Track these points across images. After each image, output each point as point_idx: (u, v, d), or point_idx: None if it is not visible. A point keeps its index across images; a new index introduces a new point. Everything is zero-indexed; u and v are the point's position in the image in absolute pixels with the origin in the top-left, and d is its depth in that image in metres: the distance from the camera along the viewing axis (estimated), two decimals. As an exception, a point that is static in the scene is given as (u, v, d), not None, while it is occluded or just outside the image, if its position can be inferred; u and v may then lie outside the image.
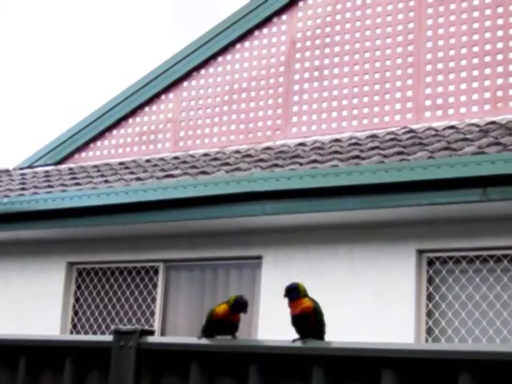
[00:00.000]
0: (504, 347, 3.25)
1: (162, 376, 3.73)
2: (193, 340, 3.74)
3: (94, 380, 3.87)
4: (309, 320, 3.76)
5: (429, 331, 7.40)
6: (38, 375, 4.02)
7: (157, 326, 8.73)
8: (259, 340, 3.66)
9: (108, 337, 3.85)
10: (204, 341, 3.68)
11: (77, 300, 9.46)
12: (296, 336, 3.73)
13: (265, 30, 10.56)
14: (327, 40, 10.08)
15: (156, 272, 8.94)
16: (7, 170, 11.98)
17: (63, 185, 9.58)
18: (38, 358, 4.04)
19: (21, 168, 11.93)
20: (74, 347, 3.94)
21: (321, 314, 3.86)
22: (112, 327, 3.95)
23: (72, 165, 11.43)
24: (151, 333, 3.82)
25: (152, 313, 8.89)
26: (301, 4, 10.37)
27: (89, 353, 3.91)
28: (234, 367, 3.56)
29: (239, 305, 3.91)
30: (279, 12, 10.48)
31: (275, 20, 10.51)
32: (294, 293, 3.85)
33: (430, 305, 7.44)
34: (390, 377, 3.17)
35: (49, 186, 9.68)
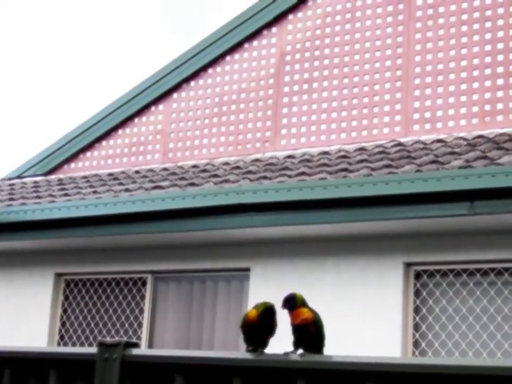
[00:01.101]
0: (490, 362, 3.26)
1: (147, 389, 3.74)
2: (177, 352, 3.74)
3: (79, 392, 3.87)
4: (309, 330, 3.75)
5: (416, 344, 7.41)
6: (22, 387, 4.01)
7: (144, 337, 8.73)
8: (242, 353, 3.64)
9: (92, 350, 3.85)
10: (187, 353, 3.68)
11: (64, 311, 9.44)
12: (290, 347, 3.74)
13: (255, 42, 10.59)
14: (317, 53, 10.12)
15: (144, 283, 8.94)
16: (-5, 181, 11.97)
17: (51, 195, 9.57)
18: (22, 370, 4.03)
19: (10, 179, 11.92)
20: (58, 359, 3.94)
21: (321, 326, 3.87)
22: (99, 339, 3.94)
23: (61, 176, 11.42)
24: (136, 345, 3.82)
25: (140, 325, 8.88)
26: (290, 16, 10.41)
27: (74, 366, 3.91)
28: (218, 380, 3.56)
29: (268, 316, 3.83)
30: (269, 25, 10.51)
31: (265, 32, 10.55)
32: (292, 302, 3.87)
33: (417, 318, 7.45)
34: (373, 391, 3.18)
35: (38, 197, 9.67)
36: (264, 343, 3.82)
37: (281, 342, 4.02)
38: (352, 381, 3.26)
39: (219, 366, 3.58)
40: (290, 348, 3.81)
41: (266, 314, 3.80)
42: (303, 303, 3.91)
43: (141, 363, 3.75)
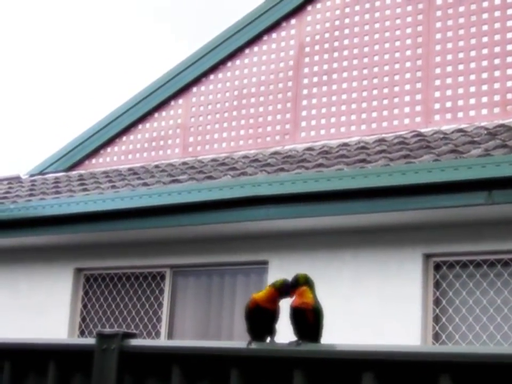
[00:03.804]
0: (484, 349, 3.16)
1: (145, 379, 3.68)
2: (175, 342, 3.68)
3: (77, 383, 3.82)
4: (306, 317, 3.60)
5: (436, 336, 7.29)
6: (22, 378, 3.98)
7: (163, 331, 8.69)
8: (239, 343, 3.56)
9: (91, 340, 3.80)
10: (185, 343, 3.62)
11: (84, 306, 9.43)
12: (293, 337, 3.61)
13: (274, 35, 10.51)
14: (336, 44, 10.02)
15: (163, 277, 8.90)
16: (17, 177, 12.00)
17: (70, 191, 9.57)
18: (22, 362, 4.00)
19: (32, 175, 11.95)
20: (57, 350, 3.90)
21: (321, 316, 3.67)
22: (97, 329, 3.88)
23: (82, 171, 11.43)
24: (134, 335, 3.77)
25: (159, 319, 8.84)
26: (309, 8, 10.31)
27: (73, 356, 3.86)
28: (216, 371, 3.49)
29: (287, 288, 3.66)
30: (287, 16, 10.43)
31: (284, 24, 10.46)
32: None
33: (437, 310, 7.33)
34: (370, 380, 3.09)
35: (57, 192, 9.67)
36: (271, 331, 3.69)
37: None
38: (351, 370, 3.18)
39: (217, 356, 3.52)
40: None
41: (287, 289, 3.65)
42: (307, 283, 3.72)
43: (139, 354, 3.70)
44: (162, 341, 3.88)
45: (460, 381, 2.91)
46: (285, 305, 3.81)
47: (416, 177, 6.92)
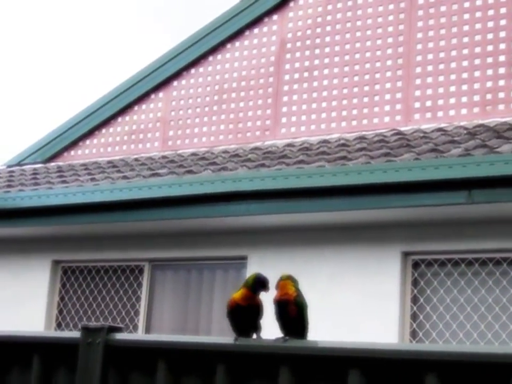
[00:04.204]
0: (472, 348, 3.20)
1: (130, 373, 3.68)
2: (161, 337, 3.68)
3: (62, 377, 3.82)
4: (289, 310, 3.60)
5: (413, 334, 7.35)
6: (5, 371, 3.96)
7: (141, 325, 8.68)
8: (226, 338, 3.58)
9: (76, 334, 3.80)
10: (172, 338, 3.63)
11: (61, 298, 9.40)
12: (279, 333, 3.61)
13: (255, 30, 10.51)
14: (318, 41, 10.03)
15: (141, 271, 8.89)
16: (-5, 168, 11.93)
17: (49, 182, 9.52)
18: (5, 355, 3.99)
19: (10, 166, 11.87)
20: (41, 343, 3.89)
21: (304, 308, 3.67)
22: (82, 323, 3.87)
23: (60, 163, 11.37)
24: (119, 329, 3.77)
25: (137, 313, 8.83)
26: (291, 4, 10.32)
27: (57, 350, 3.86)
28: (202, 366, 3.50)
29: (260, 283, 3.65)
30: (269, 12, 10.43)
31: (266, 20, 10.47)
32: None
33: (415, 308, 7.39)
34: (357, 377, 3.12)
35: (36, 184, 9.62)
36: (256, 327, 3.69)
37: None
38: (337, 367, 3.20)
39: (203, 351, 3.52)
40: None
41: (260, 284, 3.66)
42: (289, 278, 3.74)
43: (124, 348, 3.70)
44: (148, 336, 3.89)
45: (446, 379, 2.94)
46: (269, 302, 3.82)
47: (397, 175, 6.96)
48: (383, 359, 3.12)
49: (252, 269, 8.08)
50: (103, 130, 11.38)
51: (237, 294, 3.69)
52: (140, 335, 4.07)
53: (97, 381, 3.61)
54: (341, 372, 3.17)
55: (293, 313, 3.59)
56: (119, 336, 3.72)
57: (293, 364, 3.28)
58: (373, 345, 3.18)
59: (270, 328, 3.71)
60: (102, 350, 3.65)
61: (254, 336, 3.66)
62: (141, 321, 8.72)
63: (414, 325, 7.36)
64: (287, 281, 3.74)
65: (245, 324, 3.64)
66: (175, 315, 8.73)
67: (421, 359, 3.03)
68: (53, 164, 11.48)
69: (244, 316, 3.63)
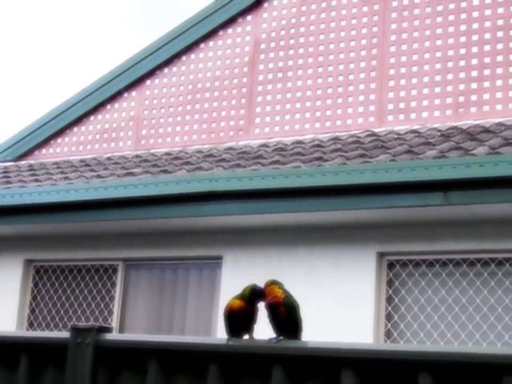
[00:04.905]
0: (464, 348, 3.25)
1: (120, 374, 3.67)
2: (152, 337, 3.69)
3: (50, 377, 3.80)
4: (279, 312, 3.63)
5: (388, 334, 7.42)
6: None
7: (114, 325, 8.64)
8: (219, 339, 3.59)
9: (65, 334, 3.78)
10: (163, 338, 3.63)
11: (34, 298, 9.34)
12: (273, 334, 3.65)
13: (229, 30, 10.52)
14: (292, 41, 10.07)
15: (115, 271, 8.86)
16: (-36, 166, 11.79)
17: (22, 181, 9.45)
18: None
19: (-21, 164, 11.76)
20: (30, 343, 3.87)
21: (294, 309, 3.72)
22: (71, 323, 3.86)
23: (31, 162, 11.29)
24: (109, 330, 3.76)
25: (111, 312, 8.80)
26: (266, 4, 10.35)
27: (46, 350, 3.84)
28: (193, 366, 3.51)
29: (256, 295, 3.70)
30: (244, 12, 10.45)
31: (240, 20, 10.48)
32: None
33: (390, 308, 7.45)
34: (350, 378, 3.15)
35: (8, 182, 9.54)
36: (249, 329, 3.73)
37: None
38: (331, 367, 3.23)
39: (195, 351, 3.53)
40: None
41: (256, 296, 3.70)
42: (274, 282, 3.80)
43: (114, 348, 3.69)
44: (139, 336, 3.87)
45: (439, 379, 2.99)
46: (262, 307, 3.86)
47: (374, 176, 7.02)
48: (376, 359, 3.15)
49: (227, 268, 8.12)
50: (75, 129, 11.31)
51: (234, 302, 3.73)
52: (130, 335, 4.06)
53: (87, 381, 3.60)
54: (334, 372, 3.20)
55: (283, 315, 3.63)
56: (109, 336, 3.72)
57: (286, 364, 3.30)
58: (366, 345, 3.22)
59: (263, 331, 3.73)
60: (92, 350, 3.65)
61: (246, 336, 3.69)
62: (115, 321, 8.69)
63: (389, 325, 7.42)
64: (272, 286, 3.79)
65: (238, 327, 3.67)
66: (149, 315, 8.72)
67: (414, 360, 3.07)
68: (23, 162, 11.39)
69: (238, 321, 3.68)
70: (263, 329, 3.66)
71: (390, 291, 7.49)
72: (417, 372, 3.04)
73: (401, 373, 3.10)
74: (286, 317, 3.64)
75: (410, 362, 3.09)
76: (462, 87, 8.99)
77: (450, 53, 9.11)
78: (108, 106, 11.13)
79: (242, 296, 3.75)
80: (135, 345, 3.67)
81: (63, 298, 9.16)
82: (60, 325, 9.03)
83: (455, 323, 7.18)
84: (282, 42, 10.13)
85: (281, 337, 3.53)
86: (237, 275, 7.95)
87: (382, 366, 3.15)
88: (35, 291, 9.35)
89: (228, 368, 3.42)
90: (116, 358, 3.69)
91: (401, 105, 9.26)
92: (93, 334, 3.69)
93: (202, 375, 3.42)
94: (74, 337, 3.71)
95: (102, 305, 8.87)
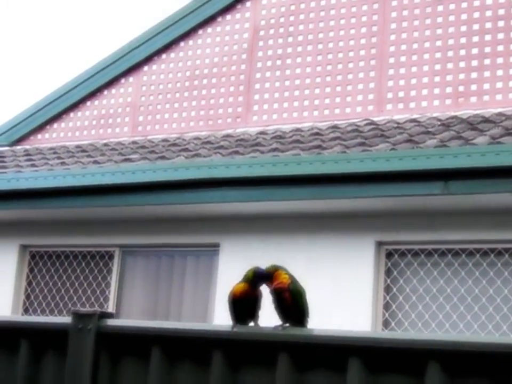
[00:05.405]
0: (474, 338, 3.21)
1: (122, 360, 3.63)
2: (155, 323, 3.64)
3: (51, 363, 3.75)
4: (285, 298, 3.59)
5: (386, 323, 7.39)
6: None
7: (110, 311, 8.59)
8: (223, 325, 3.55)
9: (66, 319, 3.74)
10: (166, 325, 3.59)
11: (29, 283, 9.28)
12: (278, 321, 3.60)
13: (228, 16, 10.45)
14: (291, 29, 10.00)
15: (111, 257, 8.81)
16: (-41, 150, 11.71)
17: (18, 166, 9.38)
18: (-8, 339, 3.92)
19: (-26, 149, 11.67)
20: (30, 329, 3.83)
21: (300, 295, 3.67)
22: (65, 312, 3.82)
23: (27, 147, 11.22)
24: (111, 315, 3.72)
25: (107, 299, 8.76)
26: (265, -9, 10.27)
27: (46, 336, 3.79)
28: (197, 353, 3.47)
29: (260, 278, 3.67)
30: (243, -2, 10.37)
31: (239, 6, 10.41)
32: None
33: (388, 297, 7.42)
34: (357, 366, 3.12)
35: (3, 167, 9.47)
36: (254, 316, 3.69)
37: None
38: (337, 355, 3.20)
39: (199, 338, 3.49)
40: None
41: (259, 279, 3.66)
42: (279, 267, 3.75)
43: (116, 334, 3.65)
44: (142, 322, 3.82)
45: (448, 368, 2.95)
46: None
47: (374, 165, 6.97)
48: (384, 347, 3.12)
49: (224, 255, 8.08)
50: (71, 114, 11.23)
51: (238, 287, 3.69)
52: (133, 321, 4.02)
53: (88, 367, 3.56)
54: (340, 360, 3.16)
55: (288, 301, 3.59)
56: (111, 322, 3.67)
57: (292, 351, 3.27)
58: (374, 334, 3.18)
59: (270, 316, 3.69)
60: (93, 336, 3.60)
61: (252, 324, 3.65)
62: (111, 307, 8.64)
63: (387, 314, 7.39)
64: (279, 271, 3.74)
65: (243, 314, 3.63)
66: (145, 301, 8.67)
67: (421, 348, 3.04)
68: (19, 147, 11.31)
69: (243, 306, 3.63)
70: (269, 316, 3.62)
71: (388, 280, 7.46)
72: (426, 360, 3.00)
73: (408, 361, 3.07)
74: (292, 303, 3.60)
75: (418, 351, 3.05)
76: (462, 76, 8.94)
77: (451, 42, 9.06)
78: (105, 92, 11.05)
79: (245, 279, 3.70)
80: (138, 332, 3.63)
81: (59, 284, 9.11)
82: (56, 311, 8.98)
83: (453, 313, 7.16)
84: (281, 30, 10.06)
85: (287, 324, 3.48)
86: (234, 263, 7.90)
87: (389, 355, 3.12)
88: (30, 277, 9.29)
89: (233, 355, 3.38)
90: (118, 344, 3.65)
91: (401, 94, 9.21)
92: (95, 319, 3.64)
93: (206, 362, 3.38)
94: (75, 323, 3.67)
95: (98, 292, 8.82)
